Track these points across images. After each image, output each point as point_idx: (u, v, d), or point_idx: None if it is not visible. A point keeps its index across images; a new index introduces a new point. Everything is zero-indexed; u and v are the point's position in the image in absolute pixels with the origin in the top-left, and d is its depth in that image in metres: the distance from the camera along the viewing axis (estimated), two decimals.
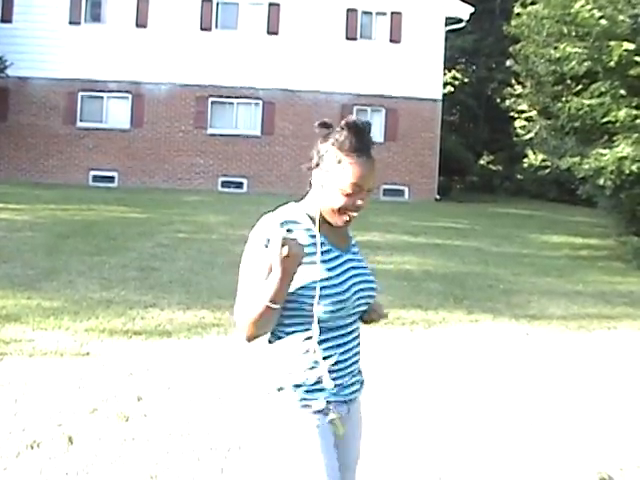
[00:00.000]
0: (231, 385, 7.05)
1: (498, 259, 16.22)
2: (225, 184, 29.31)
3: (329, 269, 3.09)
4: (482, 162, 40.90)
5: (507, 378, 7.84)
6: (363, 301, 3.19)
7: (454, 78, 38.10)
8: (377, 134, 29.66)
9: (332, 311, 3.05)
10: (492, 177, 39.73)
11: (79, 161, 28.93)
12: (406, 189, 29.80)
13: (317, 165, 3.14)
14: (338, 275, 3.10)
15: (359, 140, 3.04)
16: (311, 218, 3.13)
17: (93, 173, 29.10)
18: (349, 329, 3.17)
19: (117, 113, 29.46)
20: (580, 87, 18.35)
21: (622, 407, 7.15)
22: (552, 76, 19.23)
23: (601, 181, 17.05)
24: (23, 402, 6.32)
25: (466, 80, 39.92)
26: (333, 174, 3.06)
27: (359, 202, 3.05)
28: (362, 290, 3.17)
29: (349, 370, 3.18)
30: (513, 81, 26.24)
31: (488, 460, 5.66)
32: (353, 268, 3.18)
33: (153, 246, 14.64)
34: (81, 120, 29.27)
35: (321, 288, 3.03)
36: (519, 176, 37.37)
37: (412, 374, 7.70)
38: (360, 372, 3.29)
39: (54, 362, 7.42)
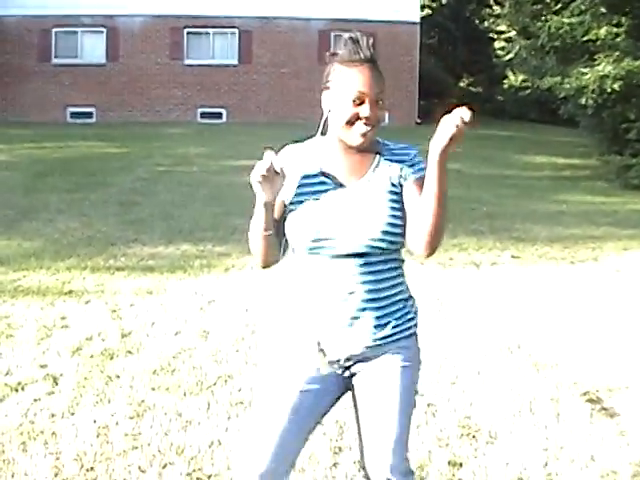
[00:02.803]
0: (216, 319, 7.00)
1: (480, 181, 16.18)
2: (204, 115, 29.05)
3: (313, 201, 3.03)
4: (462, 84, 40.60)
5: (494, 301, 7.81)
6: (353, 242, 2.99)
7: (432, 0, 37.62)
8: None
9: (310, 248, 3.02)
10: (473, 99, 39.36)
11: (56, 98, 28.56)
12: (386, 113, 29.58)
13: (326, 88, 3.08)
14: (319, 210, 3.01)
15: (356, 51, 3.02)
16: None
17: (70, 110, 28.77)
18: (338, 271, 3.02)
19: (92, 48, 29.05)
20: (560, 6, 18.20)
21: (609, 328, 7.14)
22: None
23: (582, 100, 16.95)
24: (6, 344, 6.24)
25: (444, 2, 39.40)
26: (339, 88, 3.02)
27: (367, 112, 2.98)
28: (349, 229, 2.99)
29: (339, 322, 3.05)
30: (491, 1, 25.99)
31: (477, 386, 5.65)
32: (350, 204, 3.02)
33: (133, 180, 14.53)
34: (56, 57, 28.86)
35: (298, 222, 3.02)
36: (500, 97, 37.16)
37: None
38: (375, 327, 3.07)
39: (37, 302, 7.34)
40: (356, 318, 3.03)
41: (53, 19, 28.40)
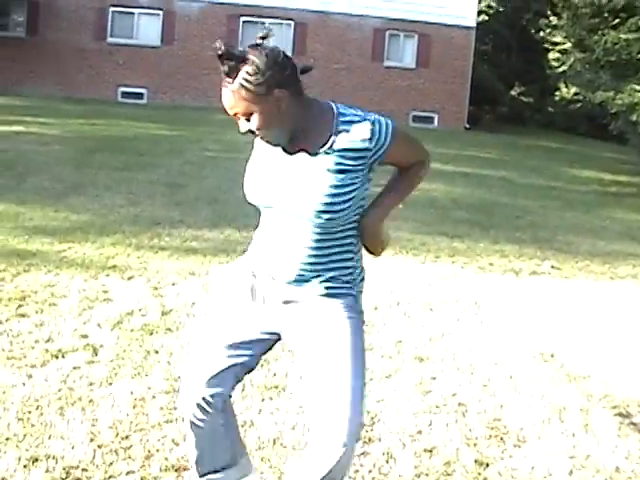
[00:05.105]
0: None
1: (526, 191, 16.13)
2: None
3: (259, 166, 3.21)
4: (513, 93, 40.41)
5: (531, 309, 7.83)
6: (293, 211, 3.11)
7: (489, 7, 37.38)
8: (409, 60, 29.38)
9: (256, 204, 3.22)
10: (523, 109, 39.21)
11: (108, 77, 28.81)
12: (436, 116, 29.60)
13: None
14: (263, 174, 3.18)
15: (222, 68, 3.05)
16: None
17: (122, 89, 29.01)
18: (282, 228, 3.17)
19: (148, 30, 29.25)
20: (617, 21, 18.07)
21: None
22: (589, 8, 18.91)
23: (634, 117, 16.88)
24: (49, 313, 6.37)
25: (501, 9, 39.18)
26: None
27: (240, 128, 3.08)
28: (289, 199, 3.10)
29: (281, 266, 3.20)
30: (549, 12, 25.77)
31: (508, 390, 5.70)
32: (294, 175, 3.11)
33: (181, 163, 14.67)
34: (111, 36, 29.10)
35: (247, 184, 3.23)
36: (550, 109, 36.98)
37: (434, 302, 7.71)
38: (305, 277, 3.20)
39: (80, 274, 7.48)
40: (295, 268, 3.17)
41: None
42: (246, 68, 2.99)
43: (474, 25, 30.22)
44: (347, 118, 3.08)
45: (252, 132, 3.06)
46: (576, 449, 4.83)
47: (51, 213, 9.89)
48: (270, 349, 3.44)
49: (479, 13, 32.84)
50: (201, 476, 3.58)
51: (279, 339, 3.37)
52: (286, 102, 3.03)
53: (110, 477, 4.03)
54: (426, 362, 6.07)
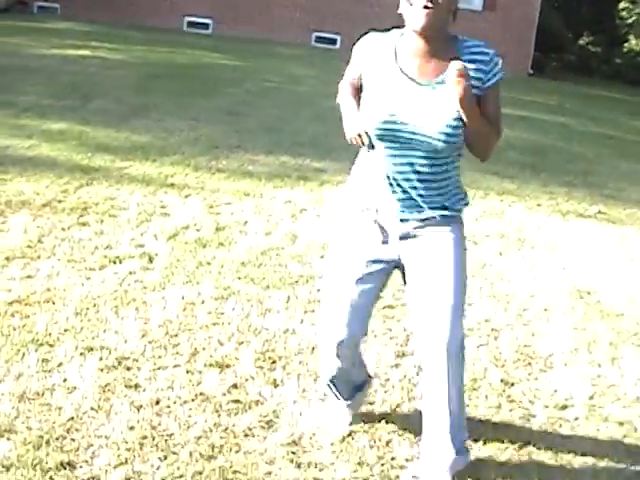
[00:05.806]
0: (306, 226, 7.35)
1: (582, 137, 16.07)
2: (318, 39, 29.16)
3: (386, 91, 3.36)
4: (581, 42, 39.82)
5: (574, 249, 7.96)
6: (417, 131, 3.30)
7: None
8: (476, 2, 29.12)
9: (377, 129, 3.34)
10: (590, 58, 38.55)
11: (175, 6, 28.89)
12: (500, 60, 29.34)
13: None
14: (393, 100, 3.33)
15: None
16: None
17: (188, 19, 29.13)
18: (402, 159, 3.38)
19: None
20: None
21: None
22: None
23: None
24: (108, 223, 6.71)
25: None
26: None
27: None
28: (415, 120, 3.29)
29: (399, 196, 3.44)
30: None
31: (541, 321, 5.92)
32: (421, 98, 3.31)
33: (243, 93, 14.84)
34: None
35: (372, 105, 3.38)
36: (618, 60, 36.44)
37: (479, 236, 7.90)
38: (423, 206, 3.46)
39: (140, 190, 7.80)
40: (409, 197, 3.43)
41: None
42: None
43: None
44: (471, 42, 3.46)
45: (429, 7, 3.24)
46: (600, 378, 5.05)
47: (114, 133, 10.19)
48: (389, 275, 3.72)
49: None
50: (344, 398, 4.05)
51: (397, 266, 3.64)
52: (453, 7, 3.35)
53: (158, 368, 4.38)
54: None
